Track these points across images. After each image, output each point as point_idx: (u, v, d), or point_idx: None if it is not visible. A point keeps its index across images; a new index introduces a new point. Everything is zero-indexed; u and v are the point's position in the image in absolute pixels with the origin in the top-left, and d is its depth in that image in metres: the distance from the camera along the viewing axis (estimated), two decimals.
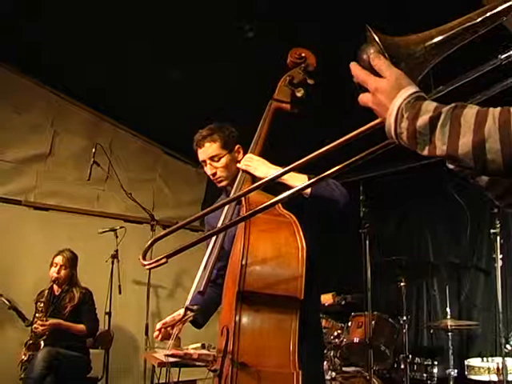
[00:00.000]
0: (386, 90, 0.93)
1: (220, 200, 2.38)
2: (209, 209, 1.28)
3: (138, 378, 5.33)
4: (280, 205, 1.87)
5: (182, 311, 2.18)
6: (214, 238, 1.87)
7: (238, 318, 1.63)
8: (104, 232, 5.09)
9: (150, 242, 1.36)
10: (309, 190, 1.87)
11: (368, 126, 1.05)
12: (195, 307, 2.09)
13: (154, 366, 4.28)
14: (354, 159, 1.17)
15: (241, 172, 2.05)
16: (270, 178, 1.28)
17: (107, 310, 4.87)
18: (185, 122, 5.08)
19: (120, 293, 4.96)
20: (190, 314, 2.14)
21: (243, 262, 1.62)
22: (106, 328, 4.87)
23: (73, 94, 5.49)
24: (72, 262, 4.58)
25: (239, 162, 2.19)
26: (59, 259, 4.52)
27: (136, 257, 5.03)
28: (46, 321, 4.27)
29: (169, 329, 2.21)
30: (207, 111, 4.41)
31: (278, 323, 1.64)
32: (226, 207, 1.96)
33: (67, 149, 5.56)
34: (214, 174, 2.21)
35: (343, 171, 1.20)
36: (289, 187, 1.84)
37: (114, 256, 5.04)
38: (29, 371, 4.02)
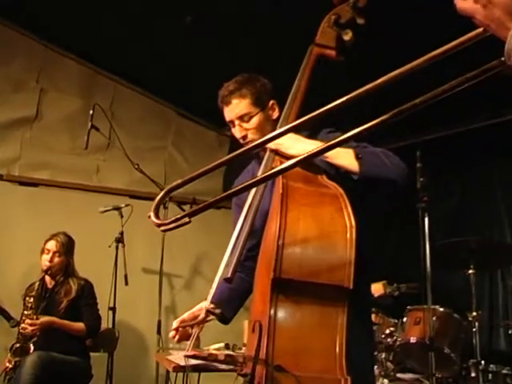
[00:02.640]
0: (506, 4, 0.91)
1: (251, 170, 2.39)
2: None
3: None
4: (324, 175, 1.87)
5: (204, 305, 2.20)
6: (243, 214, 1.88)
7: (273, 312, 1.63)
8: (106, 211, 5.15)
9: (162, 193, 1.30)
10: (355, 169, 1.85)
11: (465, 37, 1.07)
12: (217, 311, 2.13)
13: (168, 372, 4.34)
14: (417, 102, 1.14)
15: (268, 151, 2.01)
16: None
17: (111, 305, 4.95)
18: (202, 76, 5.09)
19: (126, 284, 5.03)
20: (211, 317, 2.19)
21: (279, 244, 1.61)
22: (110, 326, 4.95)
23: (62, 43, 5.49)
24: (67, 247, 4.63)
25: (275, 120, 2.18)
26: (52, 245, 4.56)
27: (145, 240, 5.06)
28: (37, 319, 4.31)
29: (188, 328, 2.24)
30: (230, 62, 4.41)
31: (321, 318, 1.64)
32: (259, 173, 1.94)
33: (58, 111, 5.61)
34: (244, 138, 2.20)
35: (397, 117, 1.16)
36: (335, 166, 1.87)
37: (119, 240, 5.11)
38: (15, 382, 4.04)
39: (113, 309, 4.96)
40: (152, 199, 5.26)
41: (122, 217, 5.16)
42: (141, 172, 5.11)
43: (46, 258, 4.53)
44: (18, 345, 4.34)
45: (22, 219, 5.30)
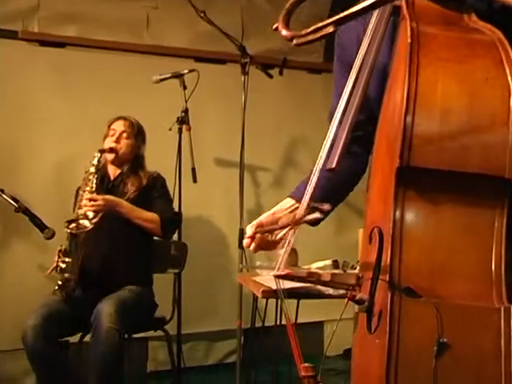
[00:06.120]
0: None
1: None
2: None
3: (228, 318, 5.55)
4: (473, 14, 1.78)
5: (289, 202, 2.28)
6: (352, 77, 1.85)
7: (398, 214, 1.62)
8: (163, 80, 5.12)
9: None
10: None
11: None
12: (326, 206, 2.09)
13: (255, 298, 4.44)
14: None
15: None
16: None
17: (175, 210, 5.02)
18: None
19: (195, 181, 5.08)
20: (313, 215, 2.16)
21: (408, 119, 1.57)
22: (175, 238, 5.07)
23: None
24: (139, 130, 4.78)
25: None
26: (119, 124, 4.71)
27: (218, 120, 5.25)
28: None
29: (267, 235, 2.25)
30: None
31: (470, 223, 1.61)
32: (374, 18, 1.90)
33: None
34: None
35: None
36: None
37: (182, 120, 5.11)
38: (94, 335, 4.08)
39: (178, 214, 5.02)
40: (225, 62, 5.29)
41: (184, 88, 5.11)
42: (209, 23, 5.02)
43: (110, 139, 4.68)
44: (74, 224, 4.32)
45: (46, 93, 5.40)
